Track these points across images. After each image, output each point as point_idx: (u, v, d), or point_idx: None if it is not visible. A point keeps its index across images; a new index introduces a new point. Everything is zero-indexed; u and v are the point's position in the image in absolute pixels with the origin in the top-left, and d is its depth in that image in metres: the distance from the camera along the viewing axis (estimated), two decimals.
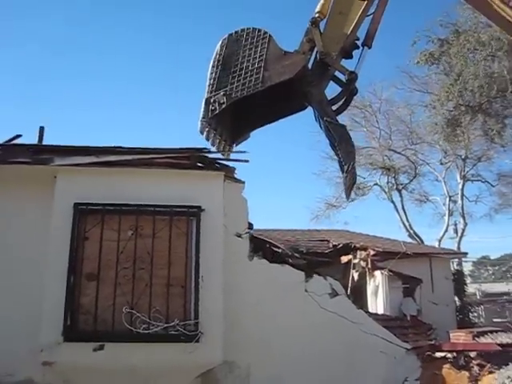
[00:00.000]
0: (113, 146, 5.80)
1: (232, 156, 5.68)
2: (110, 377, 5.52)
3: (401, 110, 26.26)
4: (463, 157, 26.25)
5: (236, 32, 4.50)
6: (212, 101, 4.22)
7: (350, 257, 14.94)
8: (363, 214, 37.77)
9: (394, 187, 28.05)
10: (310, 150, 40.94)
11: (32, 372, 5.64)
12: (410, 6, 38.12)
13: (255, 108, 4.69)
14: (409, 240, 24.79)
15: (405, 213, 28.03)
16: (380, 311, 14.05)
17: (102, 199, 5.76)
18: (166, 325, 5.49)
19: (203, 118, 4.14)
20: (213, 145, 4.34)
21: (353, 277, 14.75)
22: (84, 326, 5.57)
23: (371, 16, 4.64)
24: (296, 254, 12.63)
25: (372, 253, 14.83)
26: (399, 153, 27.38)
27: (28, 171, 6.04)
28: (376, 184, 28.24)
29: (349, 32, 4.53)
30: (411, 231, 27.61)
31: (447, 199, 28.08)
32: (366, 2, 4.47)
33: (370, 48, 4.60)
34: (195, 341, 5.44)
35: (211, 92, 4.22)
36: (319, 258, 13.87)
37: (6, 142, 7.19)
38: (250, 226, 6.45)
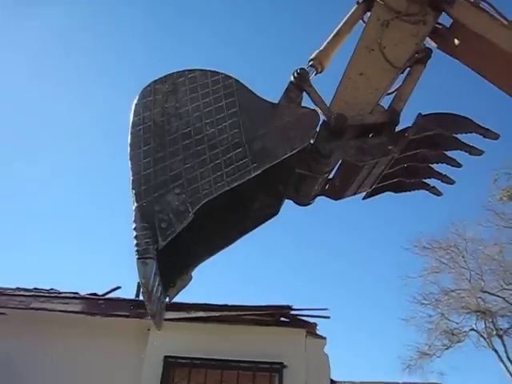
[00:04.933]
0: (202, 303, 6.29)
1: (314, 313, 5.94)
2: None
3: (490, 248, 25.09)
4: None
5: (168, 78, 2.56)
6: (158, 209, 2.17)
7: None
8: (461, 364, 34.01)
9: (494, 333, 25.60)
10: (396, 295, 39.08)
11: None
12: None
13: (195, 227, 2.35)
14: None
15: (511, 363, 25.05)
16: None
17: (190, 353, 6.10)
18: None
19: (143, 251, 2.08)
20: (151, 303, 2.20)
21: None
22: None
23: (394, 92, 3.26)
24: None
25: None
26: (494, 294, 25.46)
27: (125, 323, 6.61)
28: (472, 329, 26.05)
29: (375, 101, 3.05)
30: None
31: None
32: (395, 70, 3.12)
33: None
34: None
35: (148, 194, 2.21)
36: None
37: (107, 292, 8.00)
38: (333, 382, 6.38)
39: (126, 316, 6.49)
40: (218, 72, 2.59)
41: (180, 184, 2.23)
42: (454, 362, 34.61)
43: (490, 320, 25.35)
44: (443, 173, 3.35)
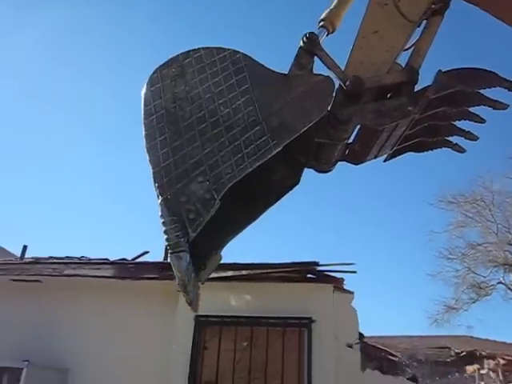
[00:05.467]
0: (230, 262, 6.37)
1: (340, 268, 6.00)
2: None
3: None
4: None
5: (173, 61, 2.49)
6: (183, 201, 2.17)
7: (477, 366, 13.68)
8: (488, 317, 34.01)
9: None
10: (421, 251, 39.01)
11: None
12: None
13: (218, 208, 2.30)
14: None
15: None
16: None
17: (220, 311, 6.22)
18: None
19: (175, 245, 2.07)
20: (188, 293, 2.19)
21: None
22: None
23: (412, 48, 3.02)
24: (414, 363, 11.99)
25: (502, 362, 13.45)
26: None
27: (155, 286, 6.76)
28: (500, 282, 25.90)
29: (392, 60, 2.86)
30: None
31: None
32: (411, 24, 2.92)
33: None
34: None
35: (171, 185, 2.20)
36: (440, 368, 12.95)
37: (136, 257, 8.17)
38: (361, 336, 6.47)
39: (156, 278, 6.64)
40: (223, 48, 2.50)
41: (202, 171, 2.20)
42: (482, 315, 34.68)
43: None
44: (466, 129, 3.25)
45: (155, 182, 2.19)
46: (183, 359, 6.17)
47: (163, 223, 2.11)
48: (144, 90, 2.41)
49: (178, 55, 2.50)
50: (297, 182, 2.82)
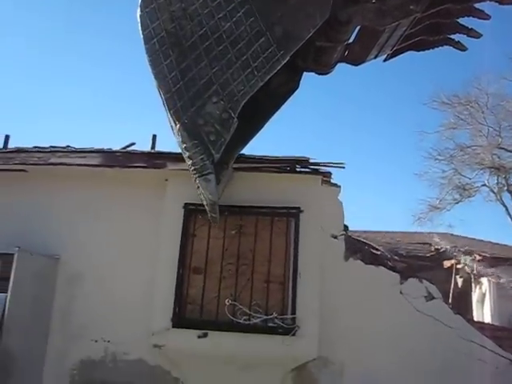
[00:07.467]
0: None
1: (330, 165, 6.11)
2: (210, 362, 6.03)
3: (511, 103, 24.21)
4: None
5: None
6: (201, 123, 2.06)
7: (454, 261, 14.33)
8: (470, 218, 35.36)
9: (505, 188, 25.94)
10: (412, 150, 39.32)
11: (144, 353, 6.33)
12: None
13: None
14: None
15: None
16: (487, 320, 13.35)
17: None
18: (265, 317, 5.89)
19: (202, 168, 1.97)
20: (215, 212, 2.29)
21: (456, 283, 14.16)
22: (190, 315, 6.14)
23: None
24: (395, 257, 12.50)
25: (478, 258, 14.08)
26: (510, 151, 25.36)
27: (143, 174, 6.73)
28: (484, 185, 26.40)
29: None
30: None
31: None
32: None
33: None
34: (292, 334, 5.77)
35: (186, 109, 2.03)
36: (420, 262, 13.54)
37: (123, 148, 8.07)
38: (346, 228, 6.63)
39: (144, 167, 6.59)
40: None
41: (214, 91, 2.13)
42: (463, 216, 35.97)
43: (503, 176, 25.56)
44: (469, 26, 3.06)
45: (169, 109, 2.12)
46: (172, 246, 6.31)
47: (185, 148, 2.11)
48: (139, 13, 2.30)
49: None
50: (296, 87, 2.87)
